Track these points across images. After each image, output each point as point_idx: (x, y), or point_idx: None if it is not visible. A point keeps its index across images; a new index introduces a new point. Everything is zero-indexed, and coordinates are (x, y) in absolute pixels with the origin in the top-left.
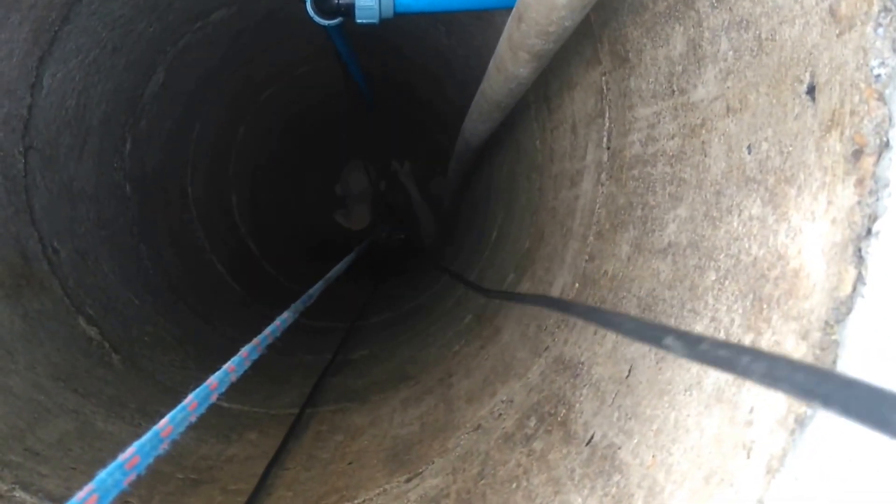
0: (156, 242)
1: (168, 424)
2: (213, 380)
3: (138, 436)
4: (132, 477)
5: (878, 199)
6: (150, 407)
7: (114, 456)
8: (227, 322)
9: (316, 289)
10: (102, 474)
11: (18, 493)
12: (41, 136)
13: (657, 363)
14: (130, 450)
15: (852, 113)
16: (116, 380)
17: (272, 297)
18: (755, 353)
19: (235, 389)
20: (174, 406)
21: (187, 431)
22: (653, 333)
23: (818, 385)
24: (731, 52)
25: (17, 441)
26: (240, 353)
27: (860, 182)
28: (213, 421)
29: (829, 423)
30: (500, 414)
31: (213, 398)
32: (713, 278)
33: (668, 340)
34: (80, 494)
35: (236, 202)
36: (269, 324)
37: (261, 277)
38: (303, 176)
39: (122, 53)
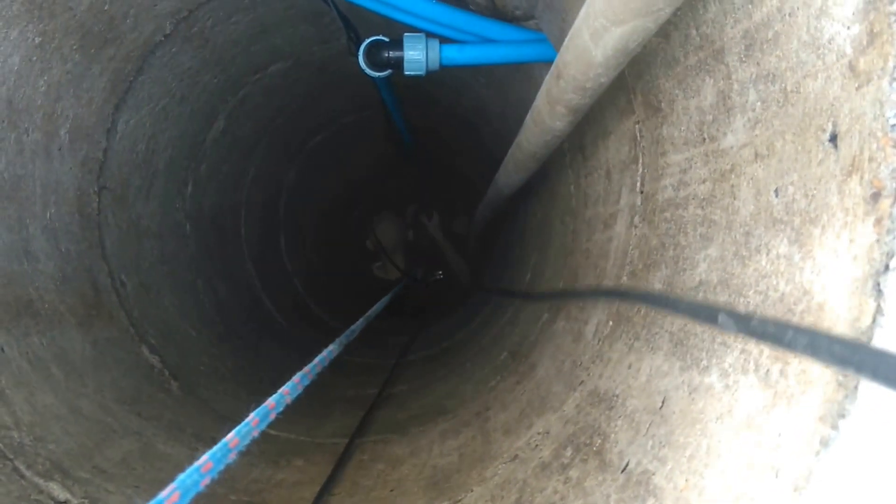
0: (211, 278)
1: (235, 437)
2: (271, 401)
3: (195, 459)
4: (207, 480)
5: (894, 238)
6: (205, 433)
7: (173, 477)
8: (275, 355)
9: (358, 325)
10: (182, 476)
11: None
12: (114, 178)
13: (690, 394)
14: (204, 457)
15: (871, 159)
16: (175, 405)
17: (315, 333)
18: (798, 329)
19: (283, 418)
20: (227, 432)
21: (240, 456)
22: (707, 312)
23: (852, 354)
24: (758, 103)
25: (86, 459)
26: (292, 380)
27: (878, 222)
28: (262, 447)
29: (852, 443)
30: (537, 445)
31: (272, 416)
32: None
33: (722, 318)
34: (164, 492)
35: (284, 243)
36: (312, 355)
37: (305, 314)
38: (346, 219)
39: (188, 102)
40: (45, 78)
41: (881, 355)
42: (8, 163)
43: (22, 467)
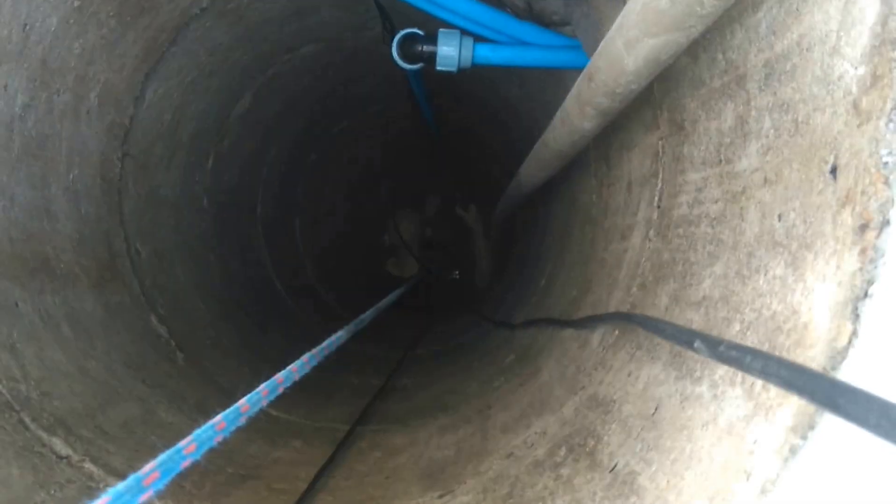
0: (224, 254)
1: (245, 403)
2: (280, 376)
3: (196, 428)
4: (220, 438)
5: (876, 267)
6: (207, 404)
7: (173, 444)
8: (280, 335)
9: (368, 314)
10: (198, 431)
11: (88, 465)
12: (137, 145)
13: (681, 402)
14: (218, 417)
15: (863, 193)
16: (179, 376)
17: (322, 317)
18: (756, 353)
19: (283, 400)
20: (229, 406)
21: (238, 432)
22: (686, 337)
23: (796, 377)
24: (772, 131)
25: (89, 418)
26: (301, 358)
27: (863, 252)
28: (261, 425)
29: (817, 453)
30: (533, 444)
31: (280, 390)
32: (737, 329)
33: (697, 343)
34: (182, 442)
35: (299, 225)
36: (317, 341)
37: (313, 298)
38: (366, 208)
39: (217, 77)
40: (80, 41)
41: (817, 378)
42: (37, 121)
43: (27, 419)
